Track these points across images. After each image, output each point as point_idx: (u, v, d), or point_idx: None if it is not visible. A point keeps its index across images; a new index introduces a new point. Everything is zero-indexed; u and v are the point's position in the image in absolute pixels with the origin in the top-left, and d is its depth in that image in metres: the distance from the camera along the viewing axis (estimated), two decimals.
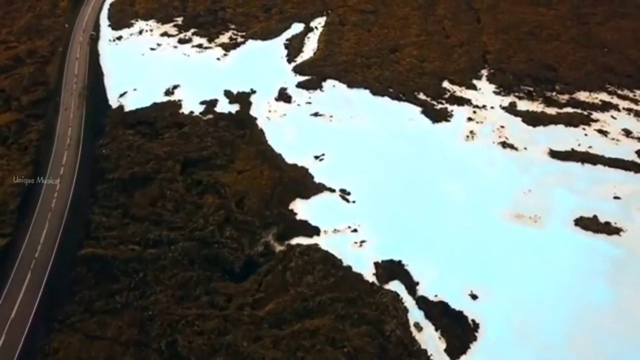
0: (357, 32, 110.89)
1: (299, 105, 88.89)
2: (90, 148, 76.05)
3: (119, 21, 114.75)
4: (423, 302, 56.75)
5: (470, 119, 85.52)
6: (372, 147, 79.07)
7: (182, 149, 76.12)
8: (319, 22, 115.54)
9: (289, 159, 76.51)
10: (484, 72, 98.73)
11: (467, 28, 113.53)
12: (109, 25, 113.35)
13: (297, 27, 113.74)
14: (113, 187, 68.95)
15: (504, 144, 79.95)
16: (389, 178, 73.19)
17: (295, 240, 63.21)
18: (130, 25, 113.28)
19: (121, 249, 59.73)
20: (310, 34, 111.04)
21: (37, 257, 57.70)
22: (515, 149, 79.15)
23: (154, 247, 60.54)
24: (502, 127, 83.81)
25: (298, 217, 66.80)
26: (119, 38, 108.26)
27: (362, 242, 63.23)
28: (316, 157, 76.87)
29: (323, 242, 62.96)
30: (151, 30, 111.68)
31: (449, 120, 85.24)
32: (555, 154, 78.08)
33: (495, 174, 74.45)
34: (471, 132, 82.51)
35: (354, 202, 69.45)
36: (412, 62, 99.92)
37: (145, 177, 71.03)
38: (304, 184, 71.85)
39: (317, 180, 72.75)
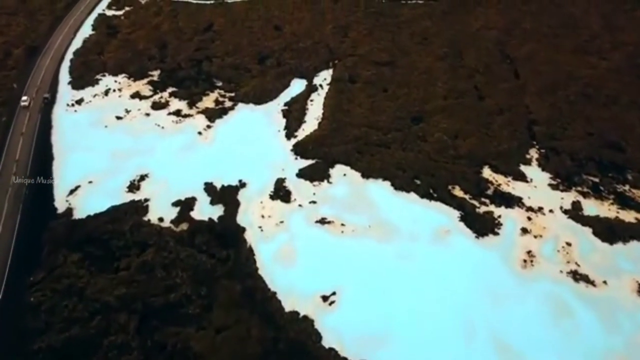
0: (371, 93, 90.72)
1: (300, 205, 68.76)
2: (16, 290, 55.75)
3: (82, 77, 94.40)
4: None
5: (524, 231, 65.37)
6: (400, 279, 59.06)
7: (141, 291, 55.95)
8: (324, 78, 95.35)
9: (288, 301, 56.56)
10: (533, 153, 78.51)
11: (505, 86, 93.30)
12: (70, 83, 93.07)
13: (297, 85, 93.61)
14: None
15: (576, 275, 59.79)
16: (427, 336, 53.12)
17: None
18: (94, 83, 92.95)
19: None
20: (313, 96, 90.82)
21: None
22: (592, 282, 59.00)
23: None
24: (569, 244, 63.65)
25: None
26: (79, 102, 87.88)
27: None
28: (325, 299, 56.76)
29: None
30: (120, 90, 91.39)
31: (497, 233, 65.08)
32: None
33: (570, 328, 54.38)
34: (529, 253, 62.32)
35: None
36: (441, 139, 79.71)
37: (86, 343, 51.07)
38: (309, 352, 51.66)
39: (327, 342, 52.70)
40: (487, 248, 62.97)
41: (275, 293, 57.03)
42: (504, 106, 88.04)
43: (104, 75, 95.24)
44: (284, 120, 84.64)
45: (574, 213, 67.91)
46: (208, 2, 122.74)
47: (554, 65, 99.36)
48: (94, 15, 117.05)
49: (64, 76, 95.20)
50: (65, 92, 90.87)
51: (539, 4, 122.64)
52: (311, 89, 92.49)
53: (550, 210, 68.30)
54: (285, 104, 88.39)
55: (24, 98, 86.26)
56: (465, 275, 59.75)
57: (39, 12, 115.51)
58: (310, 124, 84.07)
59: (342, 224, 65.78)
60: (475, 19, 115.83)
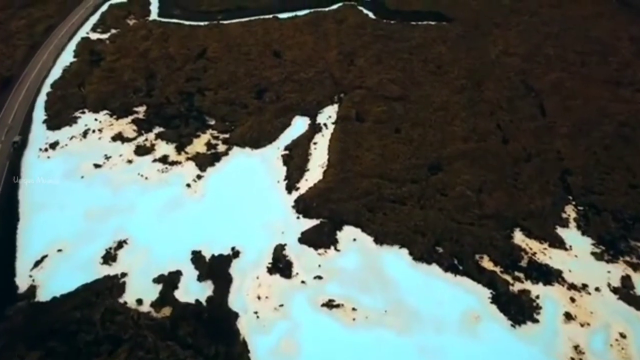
0: (382, 134, 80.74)
1: (303, 282, 58.84)
2: None
3: (59, 114, 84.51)
4: None
5: (568, 317, 55.36)
6: None
7: None
8: (328, 116, 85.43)
9: None
10: (570, 211, 68.54)
11: (531, 125, 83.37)
12: (45, 121, 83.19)
13: (299, 124, 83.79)
14: None
15: None
16: None
17: None
18: (72, 122, 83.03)
19: None
20: (317, 137, 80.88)
21: None
22: None
23: None
24: (623, 336, 53.67)
25: None
26: (54, 146, 77.90)
27: None
28: None
29: None
30: (100, 130, 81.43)
31: (536, 320, 55.10)
32: None
33: None
34: (576, 348, 52.31)
35: None
36: (464, 194, 69.71)
37: None
38: None
39: None
40: (525, 340, 52.96)
41: None
42: (532, 150, 78.15)
43: (83, 112, 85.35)
44: (284, 168, 74.77)
45: (625, 292, 57.96)
46: (202, 23, 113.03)
47: (583, 99, 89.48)
48: (77, 38, 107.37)
49: (39, 113, 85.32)
50: (38, 133, 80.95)
51: (560, 26, 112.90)
52: (314, 128, 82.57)
53: (597, 289, 58.34)
54: (286, 148, 78.53)
55: None
56: None
57: (15, 36, 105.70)
58: (314, 172, 74.16)
59: (354, 308, 55.82)
60: (494, 43, 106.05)
